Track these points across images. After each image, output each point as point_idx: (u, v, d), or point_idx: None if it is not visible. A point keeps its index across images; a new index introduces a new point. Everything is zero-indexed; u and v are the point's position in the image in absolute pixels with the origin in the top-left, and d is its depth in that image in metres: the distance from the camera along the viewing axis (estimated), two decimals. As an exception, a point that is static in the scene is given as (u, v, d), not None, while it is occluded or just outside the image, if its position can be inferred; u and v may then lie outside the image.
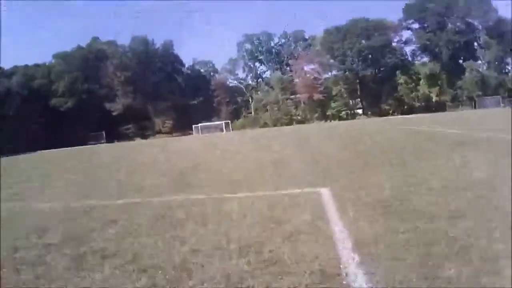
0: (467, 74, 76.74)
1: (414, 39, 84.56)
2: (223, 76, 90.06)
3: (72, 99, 73.29)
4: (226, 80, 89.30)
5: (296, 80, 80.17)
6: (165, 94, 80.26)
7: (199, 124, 62.70)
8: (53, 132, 70.65)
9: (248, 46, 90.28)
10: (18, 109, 65.68)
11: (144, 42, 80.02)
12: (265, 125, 78.12)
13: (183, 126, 77.55)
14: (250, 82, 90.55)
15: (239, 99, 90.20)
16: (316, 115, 78.76)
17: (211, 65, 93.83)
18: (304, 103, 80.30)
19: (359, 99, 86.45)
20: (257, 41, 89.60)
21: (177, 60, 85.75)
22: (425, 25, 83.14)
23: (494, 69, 78.13)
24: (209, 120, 74.07)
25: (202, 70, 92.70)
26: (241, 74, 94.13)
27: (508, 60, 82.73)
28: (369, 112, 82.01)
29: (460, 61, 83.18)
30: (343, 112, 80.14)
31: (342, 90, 78.73)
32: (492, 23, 78.93)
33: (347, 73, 79.06)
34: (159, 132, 77.85)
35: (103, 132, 75.33)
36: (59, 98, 73.17)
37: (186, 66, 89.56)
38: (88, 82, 75.48)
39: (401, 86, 76.85)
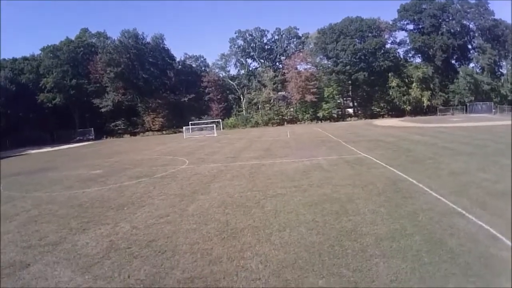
0: (460, 78, 75.75)
1: (408, 41, 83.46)
2: (215, 73, 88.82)
3: (60, 94, 72.41)
4: (218, 76, 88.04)
5: (289, 79, 79.07)
6: (156, 90, 79.41)
7: (190, 124, 61.63)
8: (40, 128, 70.32)
9: (240, 42, 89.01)
10: (6, 105, 65.10)
11: (134, 36, 78.48)
12: (256, 124, 77.69)
13: (173, 123, 77.01)
14: (242, 79, 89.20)
15: (230, 96, 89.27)
16: (308, 115, 78.07)
17: (202, 59, 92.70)
18: (296, 103, 79.49)
19: (350, 100, 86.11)
20: (250, 37, 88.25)
21: (168, 55, 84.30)
22: (420, 26, 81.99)
23: (488, 74, 77.02)
24: (199, 118, 73.20)
25: (193, 65, 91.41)
26: (233, 70, 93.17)
27: (503, 64, 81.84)
28: (360, 113, 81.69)
29: (454, 64, 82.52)
30: (334, 113, 79.54)
31: (334, 91, 77.92)
32: (488, 26, 77.70)
33: (340, 74, 77.95)
34: (149, 129, 77.13)
35: (92, 129, 74.83)
36: (47, 93, 72.27)
37: (177, 60, 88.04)
38: (76, 77, 74.43)
39: (393, 89, 75.99)
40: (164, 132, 76.34)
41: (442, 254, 6.59)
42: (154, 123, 76.75)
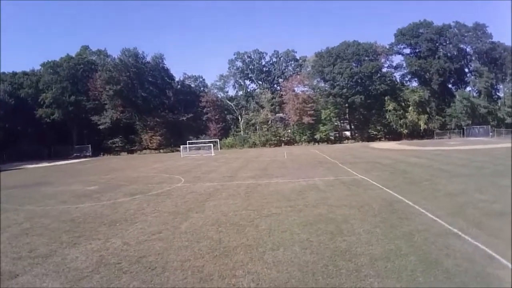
0: (457, 102, 76.12)
1: (404, 65, 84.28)
2: (213, 93, 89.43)
3: (59, 110, 72.51)
4: (216, 97, 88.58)
5: (286, 101, 79.54)
6: (154, 109, 79.68)
7: (187, 144, 61.69)
8: (38, 143, 70.23)
9: (239, 63, 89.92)
10: (5, 119, 65.15)
11: (134, 55, 79.13)
12: (254, 145, 77.74)
13: (171, 142, 76.95)
14: (240, 100, 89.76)
15: (228, 117, 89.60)
16: (305, 137, 78.28)
17: (201, 80, 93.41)
18: (293, 124, 79.78)
19: (347, 122, 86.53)
20: (248, 59, 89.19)
21: (167, 74, 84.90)
22: (416, 50, 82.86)
23: (484, 98, 77.44)
24: (197, 137, 73.26)
25: (192, 85, 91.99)
26: (231, 91, 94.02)
27: (500, 87, 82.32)
28: (357, 136, 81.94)
29: (450, 87, 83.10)
30: (332, 136, 79.80)
31: (332, 114, 78.35)
32: (485, 49, 78.40)
33: (337, 97, 78.42)
34: (146, 147, 76.98)
35: (89, 146, 74.71)
36: (45, 108, 72.37)
37: (176, 79, 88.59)
38: (75, 93, 74.66)
39: (390, 113, 76.37)
40: (161, 150, 76.20)
41: (437, 274, 6.50)
42: (151, 141, 76.72)
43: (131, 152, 75.96)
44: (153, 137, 76.68)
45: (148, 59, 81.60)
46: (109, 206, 15.38)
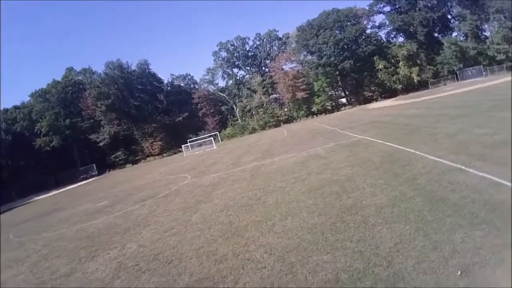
0: (445, 48, 75.84)
1: (387, 23, 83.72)
2: (204, 88, 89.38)
3: (57, 136, 72.70)
4: (208, 91, 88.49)
5: (277, 81, 79.40)
6: (149, 115, 79.85)
7: (188, 142, 61.96)
8: (43, 173, 70.53)
9: (223, 53, 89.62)
10: (5, 156, 65.48)
11: (119, 66, 79.02)
12: (253, 130, 77.86)
13: (172, 145, 77.17)
14: (231, 89, 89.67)
15: (223, 108, 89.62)
16: (302, 112, 78.28)
17: (190, 77, 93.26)
18: (288, 102, 79.73)
19: (341, 90, 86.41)
20: (232, 47, 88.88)
21: (155, 79, 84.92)
22: (397, 6, 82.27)
23: (472, 40, 77.14)
24: (197, 134, 73.44)
25: (182, 84, 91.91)
26: (221, 82, 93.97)
27: (485, 27, 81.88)
28: (353, 101, 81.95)
29: (437, 36, 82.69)
30: (328, 105, 79.72)
31: (324, 84, 78.21)
32: (465, -7, 77.87)
33: (326, 67, 78.14)
34: (150, 155, 77.28)
35: (94, 165, 75.00)
36: (43, 137, 72.60)
37: (165, 82, 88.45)
38: (69, 116, 74.88)
39: (381, 72, 76.17)
40: (164, 154, 76.58)
41: (445, 210, 6.51)
42: (153, 147, 77.05)
43: (135, 162, 76.34)
44: (154, 143, 77.02)
45: (133, 67, 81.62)
46: (121, 216, 15.51)
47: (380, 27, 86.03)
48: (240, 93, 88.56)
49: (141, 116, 78.58)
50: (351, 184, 10.24)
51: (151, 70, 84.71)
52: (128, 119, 78.35)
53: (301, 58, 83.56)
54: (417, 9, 79.53)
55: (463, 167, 8.90)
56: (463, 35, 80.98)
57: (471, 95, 31.37)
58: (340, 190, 9.80)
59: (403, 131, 18.84)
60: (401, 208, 7.22)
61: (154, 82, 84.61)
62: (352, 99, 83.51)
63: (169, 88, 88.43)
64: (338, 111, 77.10)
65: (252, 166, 20.22)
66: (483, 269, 4.44)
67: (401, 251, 5.39)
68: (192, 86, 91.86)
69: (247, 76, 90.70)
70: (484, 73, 71.14)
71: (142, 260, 8.32)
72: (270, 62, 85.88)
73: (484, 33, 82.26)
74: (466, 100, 27.57)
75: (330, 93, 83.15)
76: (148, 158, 77.01)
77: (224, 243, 7.92)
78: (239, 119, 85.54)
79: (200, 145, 62.80)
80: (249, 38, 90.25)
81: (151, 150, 77.54)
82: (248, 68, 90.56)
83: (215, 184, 17.20)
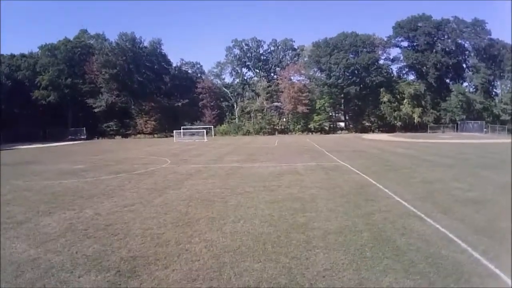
0: (452, 96, 75.99)
1: (401, 58, 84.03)
2: (210, 80, 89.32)
3: (55, 93, 72.38)
4: (213, 83, 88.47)
5: (282, 90, 79.63)
6: (150, 94, 79.62)
7: (181, 129, 61.93)
8: (34, 125, 70.32)
9: (236, 51, 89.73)
10: (1, 101, 65.22)
11: (132, 39, 78.85)
12: (247, 133, 77.93)
13: (165, 127, 76.97)
14: (236, 88, 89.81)
15: (224, 104, 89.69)
16: (299, 126, 78.43)
17: (199, 66, 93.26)
18: (288, 113, 79.93)
19: (342, 113, 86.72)
20: (246, 46, 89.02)
21: (164, 60, 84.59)
22: (414, 44, 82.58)
23: (481, 93, 77.46)
24: (192, 123, 73.45)
25: (189, 71, 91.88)
26: (228, 78, 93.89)
27: (497, 84, 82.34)
28: (352, 127, 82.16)
29: (447, 82, 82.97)
30: (326, 126, 79.92)
31: (326, 104, 78.47)
32: (484, 46, 78.33)
33: (332, 88, 78.41)
34: (141, 132, 77.05)
35: (84, 128, 74.73)
36: (42, 91, 72.19)
37: (174, 65, 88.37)
38: (72, 76, 74.55)
39: (384, 105, 76.40)
40: (155, 135, 76.29)
41: (386, 251, 6.60)
42: (146, 126, 76.73)
43: (125, 136, 76.02)
44: (148, 121, 76.69)
45: (146, 44, 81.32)
46: (91, 182, 15.70)
47: (394, 60, 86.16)
48: (244, 94, 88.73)
49: (142, 92, 78.22)
50: (312, 204, 10.49)
51: (162, 51, 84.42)
52: (128, 92, 77.95)
53: (310, 73, 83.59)
54: (434, 51, 79.73)
55: (423, 215, 9.04)
56: (473, 87, 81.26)
57: (464, 148, 31.61)
58: (299, 208, 10.04)
59: (384, 167, 19.13)
60: (346, 238, 7.39)
61: (163, 63, 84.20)
62: (351, 125, 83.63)
63: (176, 72, 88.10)
64: (334, 133, 77.03)
65: (231, 166, 20.45)
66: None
67: (326, 278, 5.54)
68: (199, 75, 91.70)
69: (255, 78, 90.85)
70: (485, 129, 70.82)
71: (92, 227, 8.54)
72: (280, 70, 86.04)
73: (495, 90, 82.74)
74: (457, 152, 27.88)
75: (330, 114, 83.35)
76: (138, 135, 76.62)
77: (173, 230, 8.13)
78: (236, 119, 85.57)
79: (193, 134, 62.78)
80: (264, 42, 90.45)
81: (144, 128, 77.16)
82: (257, 71, 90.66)
83: (190, 175, 17.40)
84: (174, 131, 60.33)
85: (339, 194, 11.99)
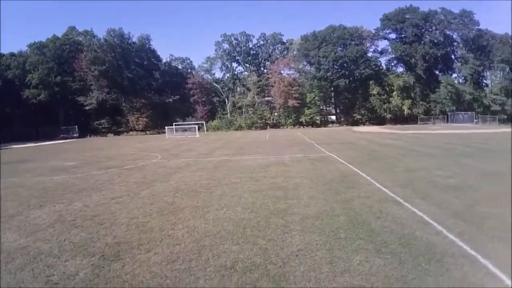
0: (441, 87, 76.45)
1: (390, 50, 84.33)
2: (200, 75, 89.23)
3: (45, 91, 72.07)
4: (203, 79, 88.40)
5: (272, 84, 79.82)
6: (141, 90, 79.40)
7: (173, 125, 62.03)
8: (26, 124, 70.13)
9: (226, 45, 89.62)
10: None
11: (120, 35, 78.51)
12: (239, 127, 78.13)
13: (157, 124, 77.04)
14: (227, 82, 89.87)
15: (215, 99, 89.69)
16: (290, 120, 78.73)
17: (188, 62, 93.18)
18: (279, 107, 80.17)
19: (333, 107, 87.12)
20: (235, 41, 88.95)
21: (154, 56, 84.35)
22: (402, 36, 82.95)
23: (470, 84, 77.99)
24: (184, 120, 73.59)
25: (179, 67, 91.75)
26: (218, 73, 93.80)
27: (487, 75, 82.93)
28: (342, 120, 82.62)
29: (436, 73, 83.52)
30: (317, 119, 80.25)
31: (316, 97, 78.77)
32: (472, 37, 78.85)
33: (322, 81, 78.68)
34: (133, 129, 77.01)
35: (76, 127, 74.57)
36: (32, 89, 71.85)
37: (163, 61, 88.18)
38: (62, 74, 74.21)
39: (374, 97, 76.80)
40: (148, 132, 76.32)
41: (360, 233, 6.94)
42: (138, 123, 76.65)
43: (117, 133, 75.99)
44: (140, 118, 76.60)
45: (134, 39, 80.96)
46: (81, 178, 15.95)
47: (382, 52, 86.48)
48: (235, 88, 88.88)
49: (132, 89, 77.99)
50: (294, 192, 10.88)
51: (152, 47, 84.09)
52: (118, 89, 77.71)
53: (300, 67, 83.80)
54: (422, 42, 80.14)
55: (401, 201, 9.39)
56: (462, 78, 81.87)
57: (452, 138, 32.05)
58: (282, 196, 10.43)
59: (370, 156, 19.59)
60: (323, 221, 7.75)
61: (152, 59, 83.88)
62: (342, 118, 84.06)
63: (166, 67, 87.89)
64: (325, 126, 77.33)
65: (220, 160, 20.76)
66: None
67: (299, 257, 5.88)
68: (189, 70, 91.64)
69: (245, 73, 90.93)
70: (475, 120, 71.48)
71: (80, 218, 8.88)
72: (270, 64, 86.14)
73: (484, 81, 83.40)
74: (444, 142, 28.35)
75: (321, 107, 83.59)
76: (131, 132, 76.53)
77: (158, 218, 8.48)
78: (228, 114, 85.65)
79: (185, 130, 62.85)
80: (253, 36, 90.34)
81: (135, 125, 77.08)
82: (247, 65, 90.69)
83: (179, 168, 17.72)
84: (166, 127, 60.44)
85: (321, 182, 12.38)
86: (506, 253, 5.76)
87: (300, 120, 77.91)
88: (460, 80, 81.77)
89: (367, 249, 6.13)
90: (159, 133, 72.20)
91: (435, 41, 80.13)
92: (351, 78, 78.40)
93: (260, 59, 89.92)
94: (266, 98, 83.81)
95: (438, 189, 10.74)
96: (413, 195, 10.02)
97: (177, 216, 8.53)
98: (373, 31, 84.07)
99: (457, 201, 9.26)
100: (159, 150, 30.62)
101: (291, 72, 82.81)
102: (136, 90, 77.77)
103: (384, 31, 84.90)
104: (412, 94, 77.79)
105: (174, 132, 60.24)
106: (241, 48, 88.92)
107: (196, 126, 60.77)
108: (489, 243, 6.25)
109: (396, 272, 5.29)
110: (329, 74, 77.30)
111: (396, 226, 7.29)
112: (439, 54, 79.44)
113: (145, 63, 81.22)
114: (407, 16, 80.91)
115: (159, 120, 76.68)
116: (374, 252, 6.00)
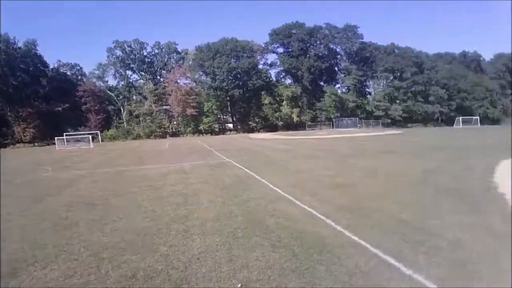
0: (326, 97, 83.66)
1: (278, 63, 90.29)
2: (92, 82, 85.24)
3: None
4: (95, 86, 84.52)
5: (170, 92, 79.22)
6: (27, 98, 73.46)
7: (64, 136, 58.03)
8: None
9: (118, 52, 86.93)
10: None
11: (5, 40, 72.13)
12: (138, 137, 76.13)
13: (46, 135, 71.66)
14: (121, 90, 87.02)
15: (110, 108, 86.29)
16: (190, 128, 78.86)
17: (78, 68, 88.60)
18: (177, 116, 79.80)
19: (229, 115, 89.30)
20: (129, 48, 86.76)
21: (40, 61, 78.58)
22: (289, 50, 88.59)
23: (353, 93, 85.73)
24: (76, 129, 69.54)
25: (68, 73, 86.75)
26: (111, 81, 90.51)
27: (370, 83, 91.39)
28: (239, 128, 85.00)
29: (321, 84, 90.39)
30: (215, 127, 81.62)
31: (214, 106, 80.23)
32: (356, 49, 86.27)
33: (217, 91, 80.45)
34: (20, 141, 70.78)
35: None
36: None
37: (51, 67, 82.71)
38: None
39: (266, 106, 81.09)
40: (36, 144, 70.68)
41: (256, 230, 7.43)
42: (25, 134, 70.79)
43: (3, 146, 69.06)
44: (26, 129, 70.77)
45: (20, 44, 74.93)
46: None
47: (271, 65, 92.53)
48: (130, 97, 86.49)
49: (17, 97, 71.78)
50: (194, 198, 11.14)
51: (38, 52, 78.36)
52: (2, 97, 71.23)
53: (196, 77, 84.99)
54: (307, 56, 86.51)
55: (293, 199, 10.20)
56: (346, 87, 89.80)
57: (338, 141, 35.14)
58: (182, 202, 10.63)
59: (264, 161, 20.66)
60: (222, 223, 8.14)
61: (39, 65, 77.88)
62: (238, 126, 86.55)
63: (54, 74, 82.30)
64: (223, 134, 79.09)
65: (117, 170, 20.19)
66: (262, 285, 5.19)
67: (200, 259, 6.14)
68: (79, 77, 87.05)
69: (141, 81, 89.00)
70: (359, 125, 79.72)
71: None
72: (166, 73, 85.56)
73: (367, 89, 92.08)
74: (330, 145, 30.72)
75: (218, 116, 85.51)
76: (17, 144, 70.28)
77: (52, 234, 8.11)
78: (124, 123, 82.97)
79: (78, 141, 59.44)
80: (147, 44, 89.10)
81: (22, 136, 70.90)
82: (143, 73, 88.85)
83: (72, 181, 16.85)
84: (56, 138, 56.53)
85: (220, 187, 12.87)
86: (393, 241, 6.56)
87: (199, 128, 78.55)
88: (344, 90, 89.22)
89: (263, 245, 6.59)
90: (48, 144, 67.28)
91: (320, 54, 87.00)
92: (244, 89, 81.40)
93: (156, 68, 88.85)
94: (164, 107, 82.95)
95: (325, 188, 11.82)
96: (304, 193, 10.94)
97: (72, 231, 8.25)
98: (263, 45, 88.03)
99: (344, 196, 10.31)
100: (50, 162, 28.76)
101: (187, 81, 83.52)
102: (21, 98, 71.81)
103: (272, 45, 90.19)
104: (300, 103, 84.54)
105: (66, 143, 56.67)
106: (135, 56, 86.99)
107: (90, 136, 57.90)
108: (376, 233, 7.03)
109: (291, 264, 5.74)
110: (224, 84, 79.35)
111: (289, 223, 7.88)
112: (324, 67, 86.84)
113: (30, 69, 75.38)
114: (293, 31, 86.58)
115: (49, 130, 71.33)
116: (269, 247, 6.46)
